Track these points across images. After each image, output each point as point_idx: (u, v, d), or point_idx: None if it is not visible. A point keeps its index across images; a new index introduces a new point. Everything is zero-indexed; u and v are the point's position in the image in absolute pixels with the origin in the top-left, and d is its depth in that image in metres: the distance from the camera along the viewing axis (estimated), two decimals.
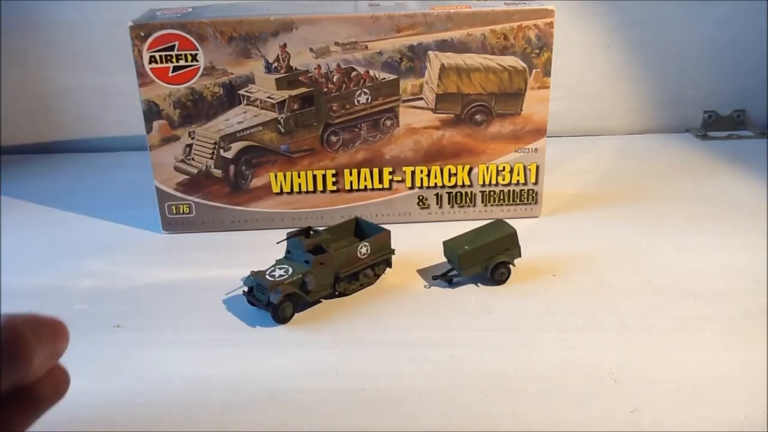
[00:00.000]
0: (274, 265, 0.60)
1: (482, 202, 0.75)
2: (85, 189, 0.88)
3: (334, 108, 0.71)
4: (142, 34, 0.67)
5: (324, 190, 0.74)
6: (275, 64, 0.69)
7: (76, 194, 0.86)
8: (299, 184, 0.73)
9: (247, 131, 0.71)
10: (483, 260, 0.61)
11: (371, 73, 0.70)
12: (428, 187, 0.74)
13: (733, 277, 0.62)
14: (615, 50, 0.99)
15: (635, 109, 1.02)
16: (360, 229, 0.66)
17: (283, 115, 0.71)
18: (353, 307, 0.60)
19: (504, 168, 0.73)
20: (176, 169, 0.72)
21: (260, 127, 0.71)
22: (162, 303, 0.61)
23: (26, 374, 0.29)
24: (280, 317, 0.57)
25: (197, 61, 0.69)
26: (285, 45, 0.68)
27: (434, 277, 0.63)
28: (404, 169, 0.73)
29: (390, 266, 0.64)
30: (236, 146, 0.71)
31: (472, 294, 0.61)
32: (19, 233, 0.75)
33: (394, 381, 0.50)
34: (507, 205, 0.75)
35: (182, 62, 0.68)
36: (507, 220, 0.65)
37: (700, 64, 1.01)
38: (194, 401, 0.49)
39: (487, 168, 0.73)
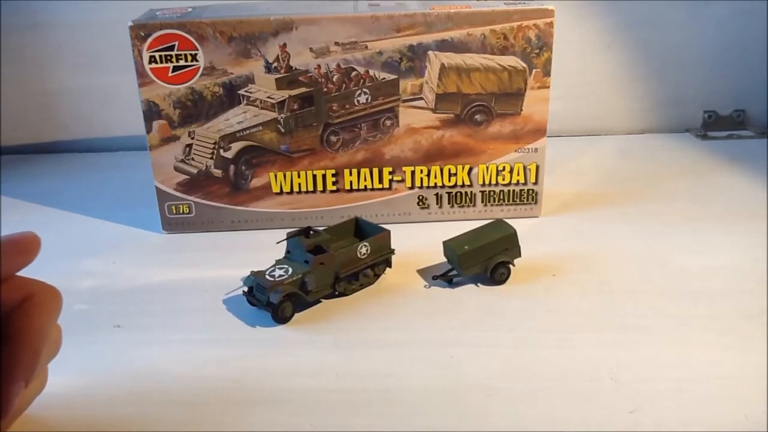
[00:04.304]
0: (274, 265, 0.60)
1: (482, 202, 0.75)
2: (85, 189, 0.88)
3: (334, 108, 0.71)
4: (142, 33, 0.67)
5: (324, 190, 0.74)
6: (275, 64, 0.69)
7: (76, 194, 0.86)
8: (299, 184, 0.73)
9: (247, 131, 0.71)
10: (483, 260, 0.61)
11: (371, 73, 0.70)
12: (428, 187, 0.74)
13: (733, 277, 0.62)
14: (615, 50, 0.99)
15: (635, 109, 1.03)
16: (360, 229, 0.66)
17: (283, 115, 0.71)
18: (353, 307, 0.60)
19: (504, 168, 0.73)
20: (176, 169, 0.72)
21: (260, 127, 0.71)
22: (162, 303, 0.61)
23: None
24: (280, 317, 0.57)
25: (197, 61, 0.69)
26: (285, 45, 0.68)
27: (434, 277, 0.63)
28: (404, 169, 0.73)
29: (390, 266, 0.64)
30: (236, 146, 0.71)
31: (472, 294, 0.61)
32: None
33: (394, 381, 0.50)
34: (507, 205, 0.75)
35: (182, 62, 0.68)
36: (507, 220, 0.65)
37: (700, 64, 1.01)
38: (194, 401, 0.49)
39: (487, 168, 0.73)
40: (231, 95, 0.70)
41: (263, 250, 0.64)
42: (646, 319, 0.56)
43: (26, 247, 0.41)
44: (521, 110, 0.72)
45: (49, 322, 0.41)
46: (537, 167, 0.73)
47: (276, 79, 0.69)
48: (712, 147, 0.96)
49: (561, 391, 0.48)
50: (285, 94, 0.70)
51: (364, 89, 0.70)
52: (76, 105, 1.01)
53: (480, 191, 0.74)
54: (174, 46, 0.68)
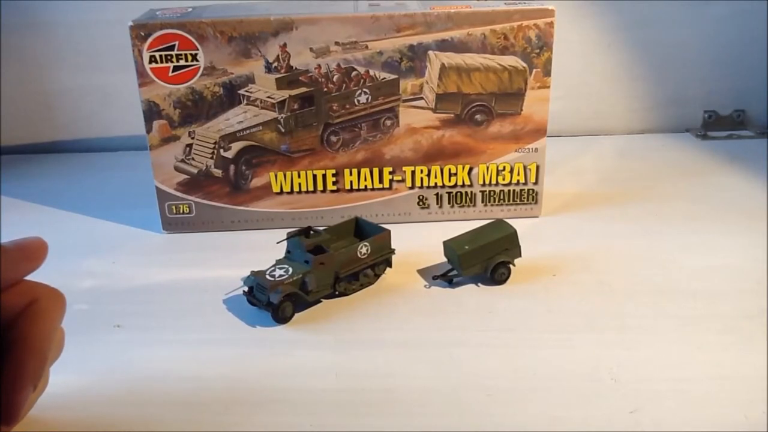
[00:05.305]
0: (274, 265, 0.60)
1: (482, 202, 0.75)
2: (85, 189, 0.88)
3: (334, 108, 0.71)
4: (142, 33, 0.67)
5: (324, 190, 0.74)
6: (275, 64, 0.69)
7: (76, 194, 0.86)
8: (299, 184, 0.73)
9: (247, 131, 0.71)
10: (483, 260, 0.61)
11: (371, 72, 0.70)
12: (428, 187, 0.74)
13: (733, 277, 0.62)
14: (615, 50, 0.99)
15: (635, 109, 1.03)
16: (360, 229, 0.66)
17: (283, 115, 0.71)
18: (353, 307, 0.60)
19: (504, 168, 0.73)
20: (176, 168, 0.72)
21: (260, 127, 0.71)
22: (162, 303, 0.61)
23: None
24: (280, 317, 0.57)
25: (197, 60, 0.69)
26: (285, 45, 0.68)
27: (434, 277, 0.63)
28: (404, 168, 0.73)
29: (390, 266, 0.64)
30: (236, 146, 0.71)
31: (472, 294, 0.61)
32: (19, 233, 0.75)
33: (394, 381, 0.50)
34: (507, 205, 0.75)
35: (182, 62, 0.68)
36: (507, 220, 0.65)
37: (700, 64, 1.01)
38: (194, 401, 0.49)
39: (487, 168, 0.73)
40: (231, 95, 0.70)
41: (263, 250, 0.64)
42: (646, 319, 0.56)
43: (33, 252, 0.41)
44: (521, 110, 0.72)
45: (54, 326, 0.41)
46: (537, 167, 0.73)
47: (276, 79, 0.69)
48: (712, 147, 0.96)
49: (561, 391, 0.48)
50: (285, 94, 0.70)
51: (364, 89, 0.70)
52: (76, 105, 1.01)
53: (480, 191, 0.74)
54: (174, 46, 0.68)
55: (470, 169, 0.73)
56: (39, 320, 0.40)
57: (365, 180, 0.73)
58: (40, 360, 0.39)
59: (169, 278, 0.66)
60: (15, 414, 0.38)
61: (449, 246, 0.63)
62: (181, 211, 0.74)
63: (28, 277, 0.42)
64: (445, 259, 0.64)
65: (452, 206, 0.75)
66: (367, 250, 0.62)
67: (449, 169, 0.73)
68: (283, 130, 0.71)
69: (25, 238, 0.41)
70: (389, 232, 0.64)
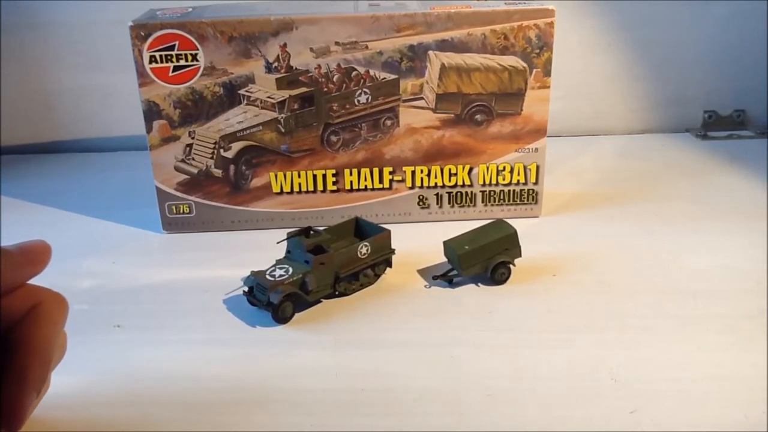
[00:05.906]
0: (274, 265, 0.60)
1: (482, 202, 0.75)
2: (85, 189, 0.88)
3: (334, 108, 0.71)
4: (142, 33, 0.67)
5: (324, 190, 0.74)
6: (275, 64, 0.69)
7: (76, 194, 0.86)
8: (299, 184, 0.73)
9: (248, 131, 0.71)
10: (483, 260, 0.61)
11: (371, 72, 0.70)
12: (428, 187, 0.74)
13: (733, 277, 0.62)
14: (615, 50, 0.99)
15: (635, 109, 1.03)
16: (360, 229, 0.66)
17: (283, 115, 0.71)
18: (353, 307, 0.60)
19: (504, 168, 0.73)
20: (176, 168, 0.72)
21: (260, 127, 0.71)
22: (162, 303, 0.61)
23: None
24: (280, 317, 0.57)
25: (197, 60, 0.69)
26: (285, 45, 0.68)
27: (434, 277, 0.63)
28: (404, 168, 0.73)
29: (390, 266, 0.64)
30: (236, 146, 0.71)
31: (472, 294, 0.61)
32: (19, 233, 0.75)
33: (394, 381, 0.50)
34: (507, 205, 0.75)
35: (182, 62, 0.68)
36: (507, 220, 0.65)
37: (700, 64, 1.01)
38: (194, 401, 0.49)
39: (488, 168, 0.73)
40: (231, 95, 0.70)
41: (263, 250, 0.64)
42: (646, 319, 0.56)
43: (37, 256, 0.41)
44: (521, 110, 0.72)
45: (57, 329, 0.41)
46: (537, 167, 0.73)
47: (276, 79, 0.69)
48: (712, 147, 0.96)
49: (561, 391, 0.48)
50: (285, 94, 0.70)
51: (365, 89, 0.70)
52: (76, 105, 1.01)
53: (480, 191, 0.74)
54: (174, 45, 0.68)
55: (470, 169, 0.73)
56: (42, 324, 0.40)
57: (365, 180, 0.73)
58: (43, 365, 0.39)
59: (169, 278, 0.66)
60: (19, 418, 0.38)
61: (449, 246, 0.63)
62: (181, 211, 0.74)
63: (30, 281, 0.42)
64: (445, 259, 0.64)
65: (452, 206, 0.75)
66: (367, 250, 0.62)
67: (449, 169, 0.73)
68: (283, 130, 0.71)
69: (29, 242, 0.41)
70: (389, 232, 0.64)
